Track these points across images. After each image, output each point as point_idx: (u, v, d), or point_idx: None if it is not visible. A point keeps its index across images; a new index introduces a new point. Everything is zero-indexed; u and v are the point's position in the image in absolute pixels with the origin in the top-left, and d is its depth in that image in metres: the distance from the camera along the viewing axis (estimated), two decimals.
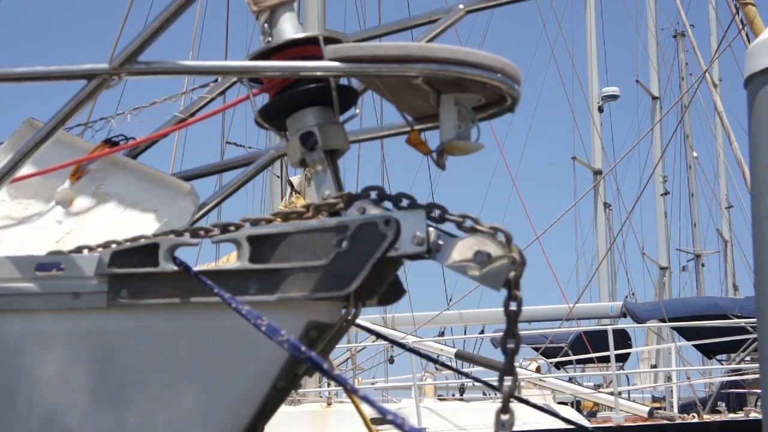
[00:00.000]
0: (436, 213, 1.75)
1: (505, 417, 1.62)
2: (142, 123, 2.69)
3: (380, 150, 12.96)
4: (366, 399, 1.52)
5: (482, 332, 16.31)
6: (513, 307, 1.66)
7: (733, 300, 16.11)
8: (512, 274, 1.66)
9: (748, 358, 11.86)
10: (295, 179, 10.77)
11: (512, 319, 1.67)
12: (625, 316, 16.47)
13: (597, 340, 13.32)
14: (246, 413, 1.84)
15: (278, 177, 11.39)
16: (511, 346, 1.68)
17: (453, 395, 13.55)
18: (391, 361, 13.64)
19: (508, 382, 1.65)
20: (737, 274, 29.33)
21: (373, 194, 1.79)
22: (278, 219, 1.87)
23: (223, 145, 13.06)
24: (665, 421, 9.43)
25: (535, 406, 3.24)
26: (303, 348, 1.58)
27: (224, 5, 12.25)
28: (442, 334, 15.57)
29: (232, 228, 1.86)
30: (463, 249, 1.70)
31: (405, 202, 1.77)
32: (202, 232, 1.88)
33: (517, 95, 1.83)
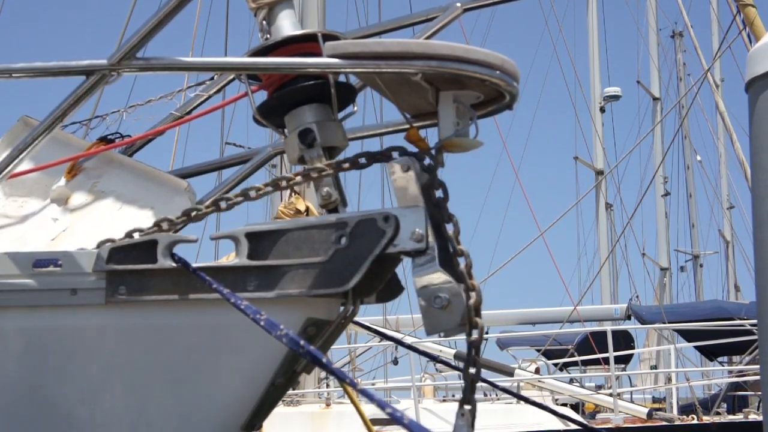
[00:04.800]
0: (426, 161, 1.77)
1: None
2: (139, 121, 2.68)
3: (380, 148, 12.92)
4: (364, 393, 1.51)
5: (486, 333, 16.25)
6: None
7: (739, 304, 16.04)
8: (472, 301, 1.64)
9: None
10: None
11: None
12: (629, 318, 16.41)
13: (603, 341, 13.27)
14: (244, 409, 1.84)
15: None
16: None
17: (453, 396, 13.50)
18: (396, 362, 13.58)
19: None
20: (739, 275, 29.26)
21: (362, 160, 1.81)
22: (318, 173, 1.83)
23: (222, 146, 13.05)
24: (664, 423, 9.41)
25: (534, 403, 3.26)
26: (302, 342, 1.58)
27: (224, 5, 12.21)
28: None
29: (283, 183, 1.86)
30: (437, 281, 1.68)
31: (395, 154, 1.78)
32: (252, 193, 1.87)
33: (516, 92, 1.82)
